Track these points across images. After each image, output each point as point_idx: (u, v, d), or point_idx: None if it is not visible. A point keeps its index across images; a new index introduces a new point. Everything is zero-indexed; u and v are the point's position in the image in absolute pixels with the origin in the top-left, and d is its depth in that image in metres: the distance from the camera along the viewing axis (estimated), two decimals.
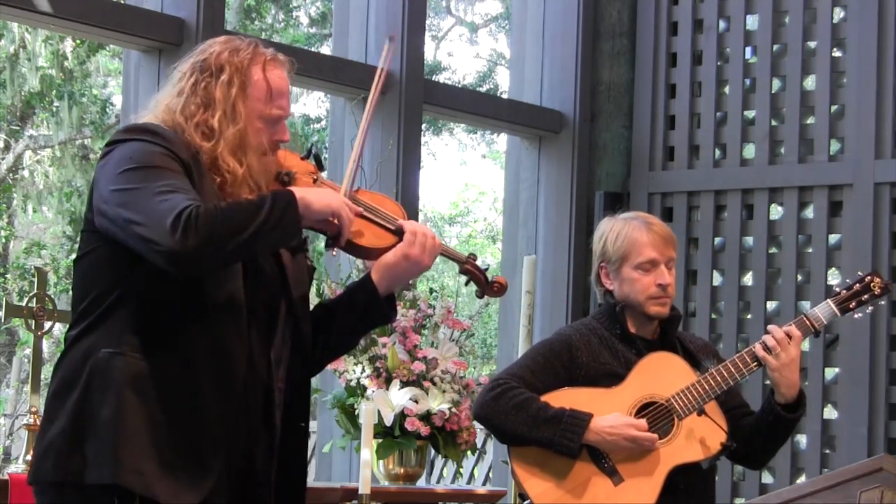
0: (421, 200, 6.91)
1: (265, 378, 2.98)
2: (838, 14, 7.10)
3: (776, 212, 7.29)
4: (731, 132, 7.27)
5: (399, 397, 5.32)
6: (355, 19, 6.66)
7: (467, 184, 20.49)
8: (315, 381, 6.50)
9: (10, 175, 15.18)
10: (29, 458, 4.23)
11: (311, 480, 6.53)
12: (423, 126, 10.76)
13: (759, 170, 7.16)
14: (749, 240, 7.18)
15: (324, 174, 3.19)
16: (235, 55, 3.03)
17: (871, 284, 4.04)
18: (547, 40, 7.48)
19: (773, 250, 7.13)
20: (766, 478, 7.03)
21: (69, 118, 14.08)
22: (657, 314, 4.02)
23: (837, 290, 4.08)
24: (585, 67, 7.42)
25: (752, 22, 7.32)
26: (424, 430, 5.31)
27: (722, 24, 7.36)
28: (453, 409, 5.37)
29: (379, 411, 5.23)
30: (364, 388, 5.37)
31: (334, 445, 5.75)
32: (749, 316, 7.12)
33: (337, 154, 6.61)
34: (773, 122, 7.20)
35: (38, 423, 3.47)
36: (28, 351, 14.17)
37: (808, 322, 3.99)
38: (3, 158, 15.09)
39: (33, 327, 4.58)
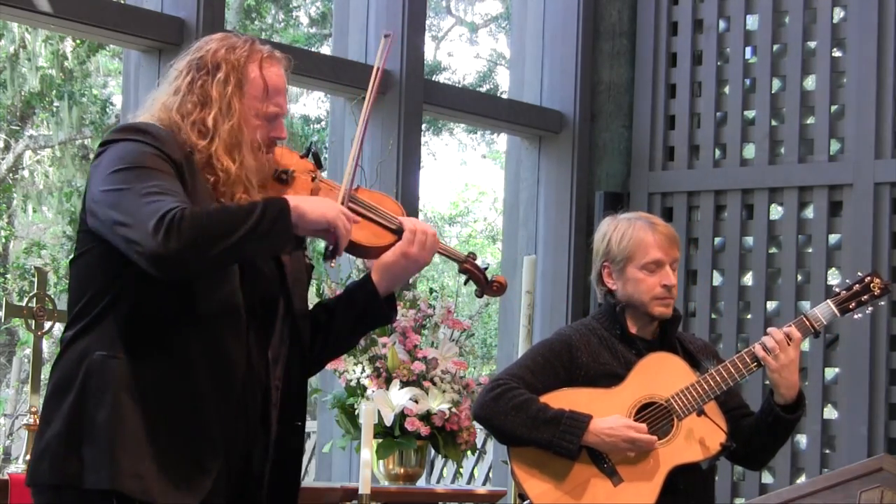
0: (421, 200, 6.91)
1: (263, 377, 2.97)
2: (838, 14, 7.10)
3: (776, 212, 7.29)
4: (731, 132, 7.27)
5: (399, 397, 5.32)
6: (355, 19, 6.66)
7: (467, 184, 20.49)
8: (315, 381, 6.51)
9: (10, 175, 15.18)
10: (28, 458, 4.23)
11: (311, 480, 6.55)
12: (423, 126, 10.76)
13: (759, 170, 7.16)
14: (749, 240, 7.18)
15: (324, 174, 3.19)
16: (232, 53, 3.01)
17: (871, 285, 4.04)
18: (547, 40, 7.48)
19: (773, 250, 7.13)
20: (766, 478, 7.03)
21: (69, 118, 14.08)
22: (661, 315, 4.02)
23: (837, 290, 4.08)
24: (585, 67, 7.42)
25: (752, 22, 7.32)
26: (424, 430, 5.31)
27: (722, 24, 7.36)
28: (453, 409, 5.37)
29: (379, 411, 5.23)
30: (364, 388, 5.37)
31: (334, 445, 5.75)
32: (749, 316, 7.12)
33: (337, 154, 6.61)
34: (773, 122, 7.20)
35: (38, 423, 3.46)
36: (28, 351, 14.17)
37: (807, 322, 3.99)
38: (3, 158, 15.09)
39: (33, 327, 4.58)
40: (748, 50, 7.31)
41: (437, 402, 5.36)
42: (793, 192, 7.07)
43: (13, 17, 5.80)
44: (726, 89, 7.32)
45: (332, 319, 3.18)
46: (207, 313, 2.88)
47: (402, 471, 5.39)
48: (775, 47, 7.22)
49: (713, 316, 7.21)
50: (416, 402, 5.33)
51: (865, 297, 4.05)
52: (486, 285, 3.26)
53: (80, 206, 2.98)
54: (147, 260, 2.75)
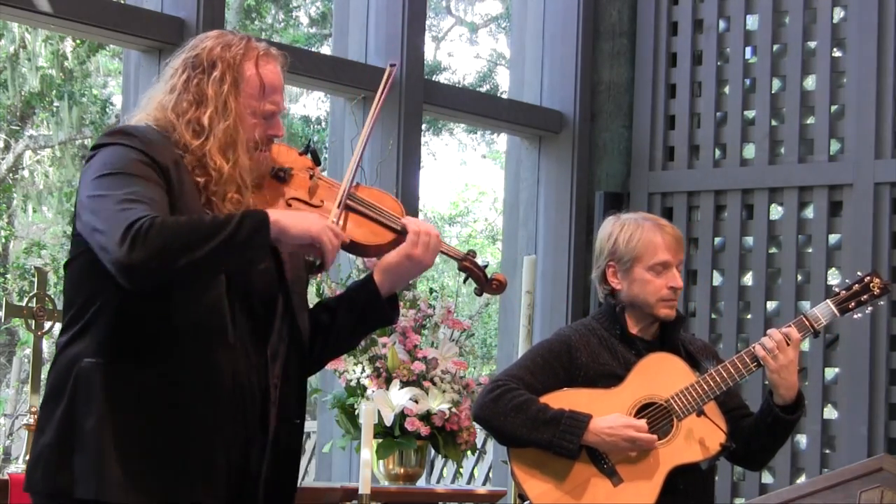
0: (421, 200, 6.91)
1: (262, 375, 2.96)
2: (838, 14, 7.10)
3: (776, 212, 7.29)
4: (731, 132, 7.27)
5: (399, 397, 5.32)
6: (355, 19, 6.66)
7: (467, 184, 20.49)
8: (315, 381, 6.52)
9: (10, 175, 15.18)
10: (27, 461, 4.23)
11: (311, 480, 6.55)
12: (423, 126, 10.76)
13: (759, 170, 7.16)
14: (749, 240, 7.18)
15: (324, 172, 3.17)
16: (227, 51, 2.99)
17: (871, 285, 4.04)
18: (547, 40, 7.48)
19: (773, 250, 7.13)
20: (766, 478, 7.03)
21: (69, 118, 14.08)
22: (666, 317, 4.02)
23: (837, 290, 4.08)
24: (585, 67, 7.42)
25: (752, 22, 7.32)
26: (424, 430, 5.31)
27: (722, 24, 7.36)
28: (453, 409, 5.37)
29: (379, 411, 5.23)
30: (364, 388, 5.37)
31: (334, 445, 5.75)
32: (749, 316, 7.12)
33: (337, 154, 6.61)
34: (773, 122, 7.20)
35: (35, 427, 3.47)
36: (28, 351, 14.17)
37: (807, 322, 3.99)
38: (3, 158, 15.09)
39: (33, 327, 4.57)
40: (748, 50, 7.31)
41: (437, 402, 5.36)
42: (793, 192, 7.07)
43: (13, 17, 5.80)
44: (726, 89, 7.32)
45: (333, 319, 3.16)
46: (193, 320, 2.85)
47: (402, 471, 5.39)
48: (775, 47, 7.22)
49: (713, 316, 7.21)
50: (416, 402, 5.33)
51: (865, 296, 4.05)
52: (486, 283, 3.24)
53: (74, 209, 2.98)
54: (114, 268, 2.75)
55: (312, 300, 3.23)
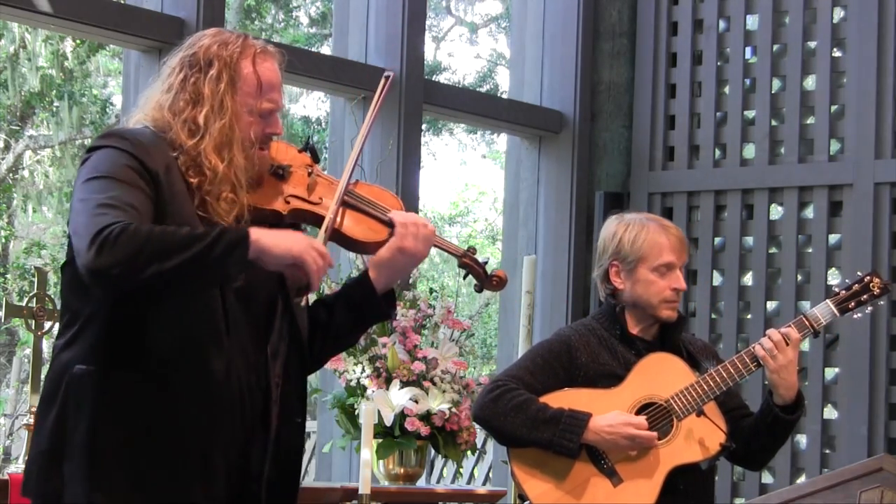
0: (421, 200, 6.91)
1: (262, 374, 2.95)
2: (838, 14, 7.10)
3: (776, 212, 7.29)
4: (731, 132, 7.27)
5: (399, 397, 5.32)
6: (355, 19, 6.66)
7: (467, 184, 20.48)
8: (315, 381, 6.52)
9: (10, 175, 15.18)
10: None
11: (311, 480, 6.55)
12: (423, 126, 10.76)
13: (759, 170, 7.16)
14: (749, 240, 7.18)
15: (324, 170, 3.16)
16: (224, 49, 2.98)
17: (871, 285, 4.05)
18: (547, 40, 7.48)
19: (773, 250, 7.13)
20: (766, 478, 7.03)
21: (69, 118, 14.08)
22: (668, 318, 4.02)
23: (837, 290, 4.08)
24: (585, 67, 7.42)
25: (752, 22, 7.32)
26: (424, 430, 5.31)
27: (722, 24, 7.36)
28: (453, 409, 5.37)
29: (379, 411, 5.23)
30: (364, 388, 5.37)
31: (334, 445, 5.75)
32: (749, 316, 7.12)
33: (337, 154, 6.61)
34: (773, 122, 7.20)
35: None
36: (28, 351, 14.17)
37: (807, 322, 3.99)
38: (3, 158, 15.09)
39: (33, 327, 4.57)
40: (748, 50, 7.31)
41: (437, 402, 5.36)
42: (793, 192, 7.07)
43: (13, 17, 5.80)
44: (726, 89, 7.32)
45: (330, 317, 3.14)
46: (185, 323, 2.84)
47: (402, 471, 5.39)
48: (775, 47, 7.22)
49: (713, 316, 7.21)
50: (416, 402, 5.33)
51: (865, 296, 4.05)
52: (486, 279, 3.22)
53: None
54: (83, 272, 2.74)
55: (311, 298, 3.22)
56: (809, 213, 7.08)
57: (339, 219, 3.06)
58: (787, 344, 3.94)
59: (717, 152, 7.32)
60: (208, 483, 2.88)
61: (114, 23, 5.63)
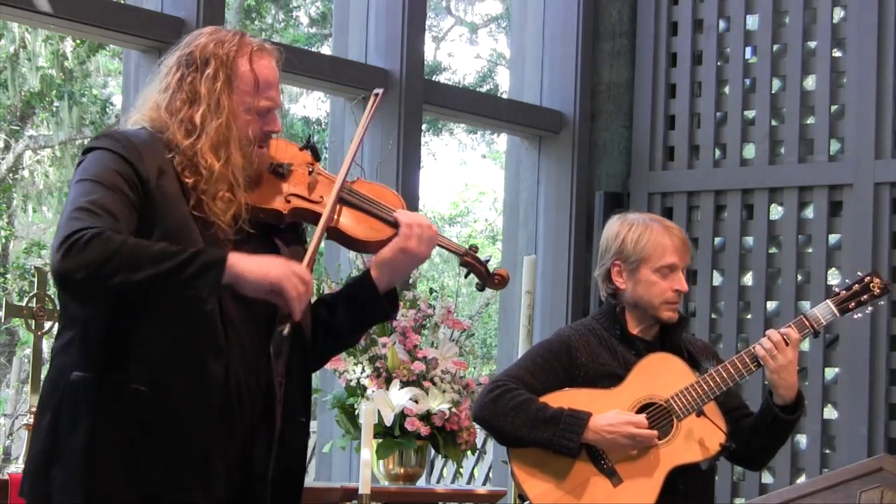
0: (421, 200, 6.91)
1: (264, 373, 2.94)
2: (838, 14, 7.10)
3: (776, 212, 7.29)
4: (731, 132, 7.27)
5: (399, 397, 5.32)
6: (355, 19, 6.66)
7: (467, 184, 20.48)
8: (315, 381, 6.51)
9: (10, 175, 15.18)
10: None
11: (311, 480, 6.53)
12: (423, 126, 10.76)
13: (759, 170, 7.16)
14: (749, 240, 7.18)
15: (324, 168, 3.15)
16: (220, 47, 2.96)
17: (871, 285, 4.04)
18: (547, 40, 7.48)
19: (773, 250, 7.13)
20: (766, 478, 7.03)
21: (69, 118, 14.08)
22: (668, 319, 4.02)
23: (837, 290, 4.08)
24: (585, 67, 7.42)
25: (752, 22, 7.32)
26: (424, 430, 5.31)
27: (722, 24, 7.36)
28: (453, 409, 5.37)
29: (379, 411, 5.23)
30: (364, 388, 5.36)
31: (334, 445, 5.75)
32: (749, 316, 7.12)
33: (337, 154, 6.61)
34: (773, 122, 7.20)
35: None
36: (28, 351, 14.17)
37: (807, 323, 3.99)
38: (3, 158, 15.08)
39: (33, 327, 4.57)
40: (748, 50, 7.31)
41: (437, 402, 5.36)
42: (793, 192, 7.07)
43: (13, 17, 5.80)
44: (726, 89, 7.32)
45: (332, 316, 3.13)
46: (182, 326, 2.82)
47: (402, 471, 5.39)
48: (775, 47, 7.22)
49: (713, 316, 7.21)
50: (416, 402, 5.33)
51: (865, 297, 4.05)
52: (488, 278, 3.21)
53: None
54: (52, 274, 2.74)
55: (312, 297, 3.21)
56: (809, 213, 7.08)
57: (338, 217, 3.05)
58: (787, 344, 3.94)
59: (717, 152, 7.32)
60: (208, 483, 2.87)
61: (114, 23, 5.63)
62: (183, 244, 2.81)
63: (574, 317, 7.13)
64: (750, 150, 7.28)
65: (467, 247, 3.21)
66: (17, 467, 4.42)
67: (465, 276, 3.24)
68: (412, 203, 6.53)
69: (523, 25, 7.61)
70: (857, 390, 6.75)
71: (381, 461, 5.38)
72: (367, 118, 3.15)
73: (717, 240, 7.26)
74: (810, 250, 7.01)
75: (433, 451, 5.54)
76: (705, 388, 3.93)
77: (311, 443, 9.03)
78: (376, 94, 3.22)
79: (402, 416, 5.31)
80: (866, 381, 6.73)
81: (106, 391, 2.81)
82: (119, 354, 2.83)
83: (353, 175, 3.15)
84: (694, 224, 7.30)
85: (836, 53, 7.09)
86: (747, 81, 7.27)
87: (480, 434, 6.37)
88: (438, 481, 9.30)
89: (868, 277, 4.06)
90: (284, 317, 2.88)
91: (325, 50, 15.31)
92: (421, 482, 5.50)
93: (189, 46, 3.00)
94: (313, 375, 3.24)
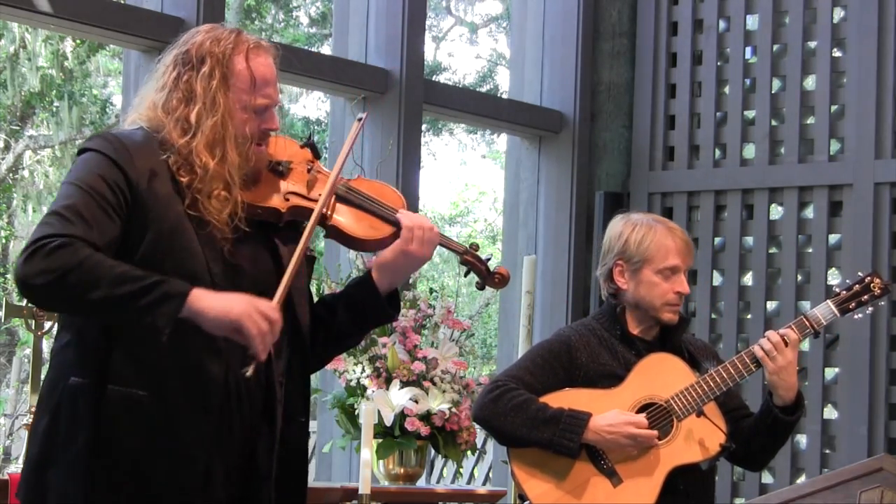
0: (421, 200, 6.91)
1: (264, 373, 2.92)
2: (838, 14, 7.10)
3: (776, 212, 7.29)
4: (731, 132, 7.27)
5: (399, 397, 5.32)
6: (355, 19, 6.66)
7: (467, 184, 20.47)
8: (315, 381, 6.51)
9: (10, 175, 15.18)
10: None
11: (311, 480, 6.53)
12: (423, 126, 10.76)
13: (759, 170, 7.16)
14: (749, 240, 7.18)
15: (327, 168, 3.14)
16: (217, 45, 2.95)
17: (871, 285, 4.04)
18: (547, 40, 7.48)
19: (773, 250, 7.13)
20: (766, 478, 7.03)
21: (69, 118, 14.08)
22: (669, 321, 4.02)
23: (837, 290, 4.08)
24: (585, 67, 7.42)
25: (752, 22, 7.32)
26: (424, 430, 5.31)
27: (722, 24, 7.36)
28: (453, 409, 5.37)
29: (379, 411, 5.23)
30: (364, 388, 5.36)
31: (334, 445, 5.75)
32: (749, 316, 7.12)
33: (336, 154, 6.59)
34: (773, 122, 7.20)
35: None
36: (28, 351, 14.16)
37: (807, 323, 3.99)
38: (3, 158, 15.08)
39: (33, 327, 4.57)
40: (748, 50, 7.31)
41: (437, 402, 5.36)
42: (793, 192, 7.07)
43: (13, 17, 5.80)
44: (726, 89, 7.32)
45: (333, 317, 3.11)
46: (179, 329, 2.77)
47: (402, 471, 5.39)
48: (775, 47, 7.22)
49: (713, 316, 7.21)
50: (416, 402, 5.32)
51: (865, 297, 4.04)
52: (488, 277, 3.20)
53: None
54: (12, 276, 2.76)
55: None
56: (809, 213, 7.08)
57: (333, 213, 3.03)
58: (787, 345, 3.94)
59: (717, 152, 7.32)
60: (207, 485, 2.86)
61: (114, 23, 5.63)
62: (176, 245, 2.81)
63: (574, 317, 7.13)
64: (750, 150, 7.28)
65: (467, 245, 3.19)
66: (17, 467, 4.42)
67: (466, 275, 3.23)
68: (412, 203, 6.53)
69: (523, 25, 7.61)
70: (857, 390, 6.75)
71: (381, 461, 5.37)
72: (350, 143, 3.12)
73: (717, 240, 7.26)
74: (810, 250, 7.01)
75: (433, 451, 5.54)
76: (705, 388, 3.93)
77: (311, 443, 9.05)
78: (360, 119, 3.20)
79: (402, 416, 5.30)
80: (866, 381, 6.73)
81: (104, 397, 2.80)
82: (116, 359, 2.81)
83: (353, 174, 3.14)
84: (694, 224, 7.30)
85: (836, 53, 7.09)
86: (747, 81, 7.27)
87: (480, 434, 6.37)
88: (438, 481, 9.29)
89: (868, 277, 4.06)
90: (249, 357, 2.81)
91: (325, 50, 15.31)
92: (421, 482, 5.50)
93: (185, 45, 2.98)
94: (313, 375, 3.24)
